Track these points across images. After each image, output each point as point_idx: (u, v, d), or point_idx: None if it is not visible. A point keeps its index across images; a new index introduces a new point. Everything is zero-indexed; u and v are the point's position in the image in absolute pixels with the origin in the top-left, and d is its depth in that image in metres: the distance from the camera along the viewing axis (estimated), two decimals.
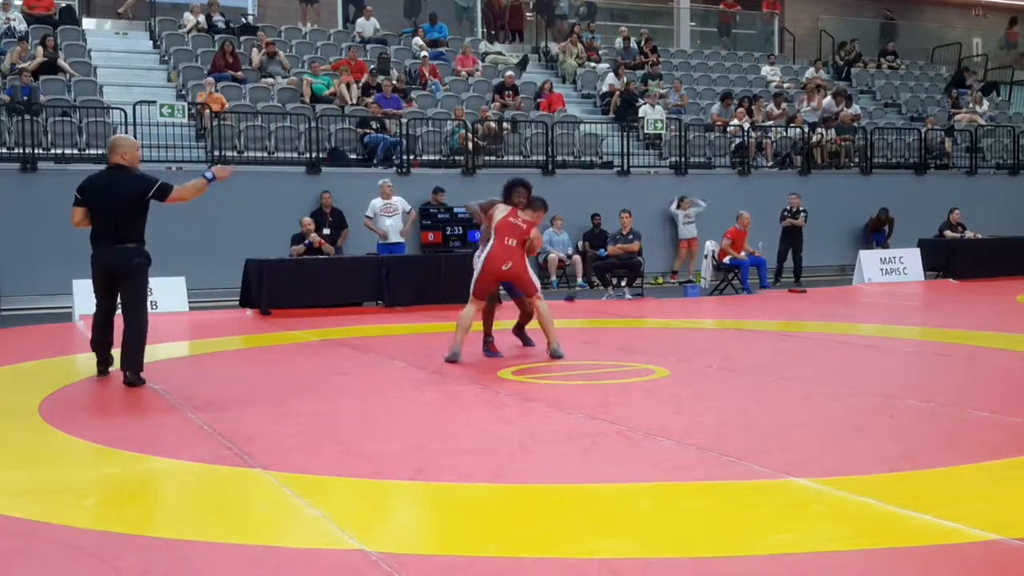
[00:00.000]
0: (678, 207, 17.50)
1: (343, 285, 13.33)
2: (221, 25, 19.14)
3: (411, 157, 16.55)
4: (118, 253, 7.55)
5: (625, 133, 18.28)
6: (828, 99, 21.03)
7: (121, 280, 7.59)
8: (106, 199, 7.59)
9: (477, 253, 9.06)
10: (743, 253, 15.48)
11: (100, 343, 7.86)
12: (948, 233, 18.08)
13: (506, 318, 9.85)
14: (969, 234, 18.16)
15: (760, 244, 15.68)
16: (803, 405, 6.63)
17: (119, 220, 7.56)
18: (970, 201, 19.30)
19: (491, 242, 8.65)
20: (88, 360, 8.50)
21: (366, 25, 20.38)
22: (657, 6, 26.75)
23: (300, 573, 3.64)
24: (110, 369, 7.95)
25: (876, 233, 19.11)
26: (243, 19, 20.17)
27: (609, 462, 5.10)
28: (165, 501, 4.75)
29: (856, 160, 20.23)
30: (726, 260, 15.42)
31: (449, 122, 17.27)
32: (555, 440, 5.61)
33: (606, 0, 26.53)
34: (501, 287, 9.23)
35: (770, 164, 19.62)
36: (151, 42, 19.38)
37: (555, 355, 8.57)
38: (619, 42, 22.64)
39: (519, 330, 9.52)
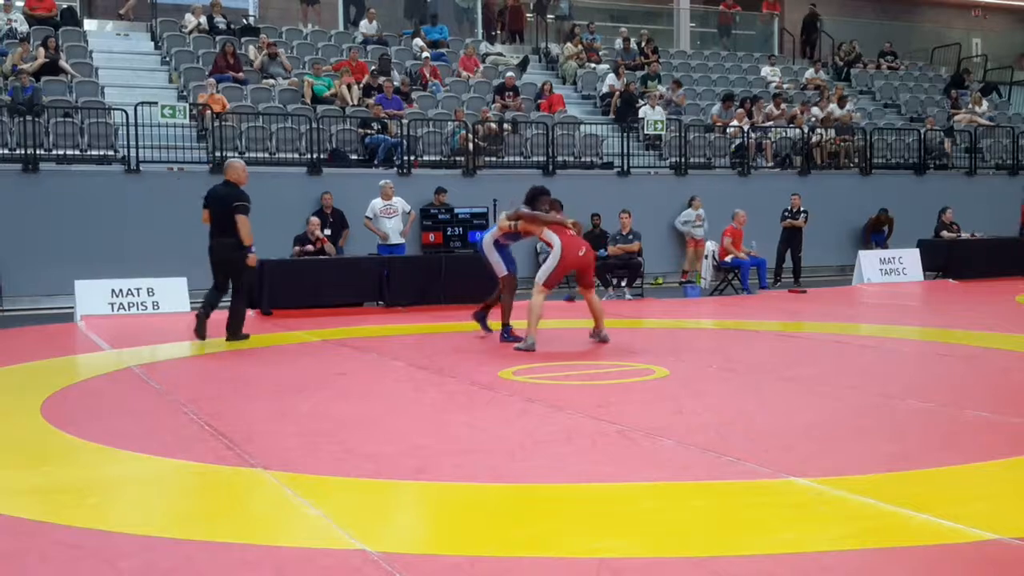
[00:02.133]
0: (689, 206, 17.48)
1: (344, 285, 13.34)
2: (222, 26, 19.15)
3: (411, 158, 16.56)
4: (219, 245, 9.97)
5: (625, 134, 18.29)
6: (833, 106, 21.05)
7: (225, 266, 10.00)
8: (215, 205, 9.98)
9: (489, 239, 9.90)
10: (742, 252, 15.49)
11: (202, 315, 10.06)
12: (945, 234, 18.07)
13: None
14: (965, 234, 18.15)
15: (753, 243, 15.67)
16: (803, 405, 6.64)
17: (221, 221, 9.89)
18: (969, 201, 19.31)
19: (556, 237, 9.28)
20: (89, 360, 8.52)
21: (368, 27, 20.40)
22: (657, 7, 26.76)
23: (301, 573, 3.65)
24: (206, 338, 9.99)
25: (875, 233, 19.11)
26: (244, 20, 20.17)
27: (609, 462, 5.11)
28: (166, 501, 4.76)
29: (856, 160, 20.24)
30: (727, 259, 15.42)
31: (450, 123, 17.28)
32: (555, 440, 5.62)
33: (606, 1, 26.55)
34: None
35: (770, 165, 19.63)
36: (152, 43, 19.40)
37: (604, 340, 9.46)
38: (619, 43, 22.65)
39: (483, 312, 10.35)
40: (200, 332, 10.02)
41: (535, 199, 9.61)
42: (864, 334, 10.81)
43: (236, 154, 15.72)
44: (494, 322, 10.30)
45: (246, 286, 10.35)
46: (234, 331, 10.11)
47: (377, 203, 14.49)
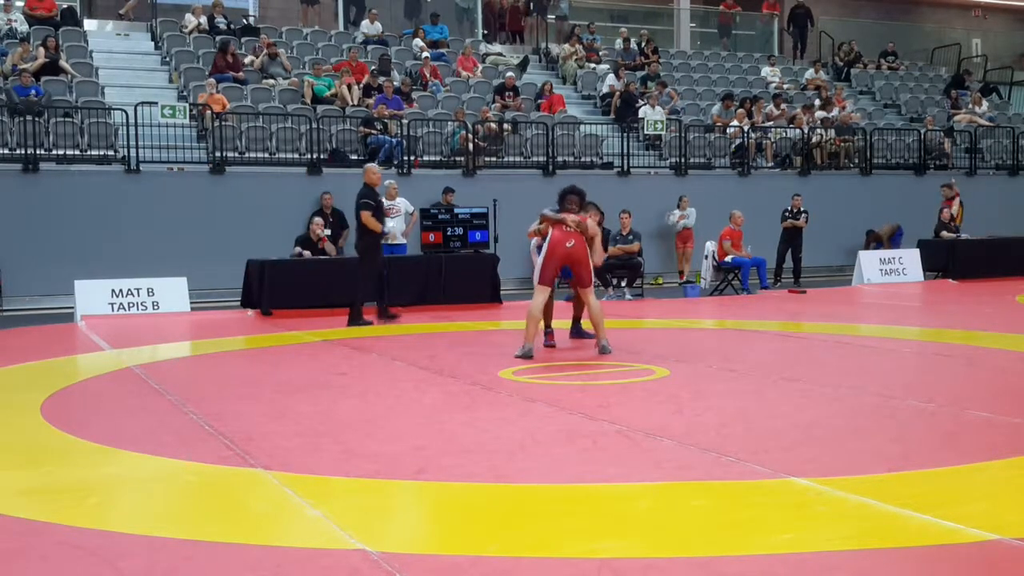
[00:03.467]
0: (677, 207, 17.47)
1: (344, 285, 13.30)
2: (223, 26, 19.13)
3: (412, 158, 16.56)
4: (355, 240, 11.89)
5: (625, 134, 18.28)
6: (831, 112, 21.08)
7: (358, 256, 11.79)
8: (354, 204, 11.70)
9: (534, 244, 9.49)
10: (742, 252, 15.49)
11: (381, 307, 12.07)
12: (944, 234, 18.06)
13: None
14: (964, 235, 18.13)
15: (749, 248, 15.64)
16: (803, 405, 6.64)
17: (357, 219, 11.63)
18: (969, 201, 19.26)
19: (550, 231, 8.97)
20: (89, 360, 8.51)
21: (369, 27, 20.41)
22: (657, 7, 26.75)
23: (301, 573, 3.65)
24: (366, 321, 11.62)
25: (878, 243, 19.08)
26: (244, 20, 20.16)
27: (609, 462, 5.11)
28: (166, 501, 4.76)
29: (856, 161, 20.25)
30: (728, 259, 15.42)
31: (450, 123, 17.28)
32: (555, 440, 5.62)
33: (606, 1, 26.54)
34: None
35: (770, 165, 19.63)
36: (152, 43, 19.39)
37: (603, 351, 8.87)
38: (619, 43, 22.64)
39: (576, 326, 9.92)
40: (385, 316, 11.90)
41: (563, 199, 9.33)
42: (864, 334, 10.81)
43: (237, 154, 15.76)
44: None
45: (370, 278, 11.74)
46: (353, 317, 11.56)
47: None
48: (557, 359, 8.79)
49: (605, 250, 15.00)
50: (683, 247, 17.30)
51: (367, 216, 11.49)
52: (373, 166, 12.19)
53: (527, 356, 8.67)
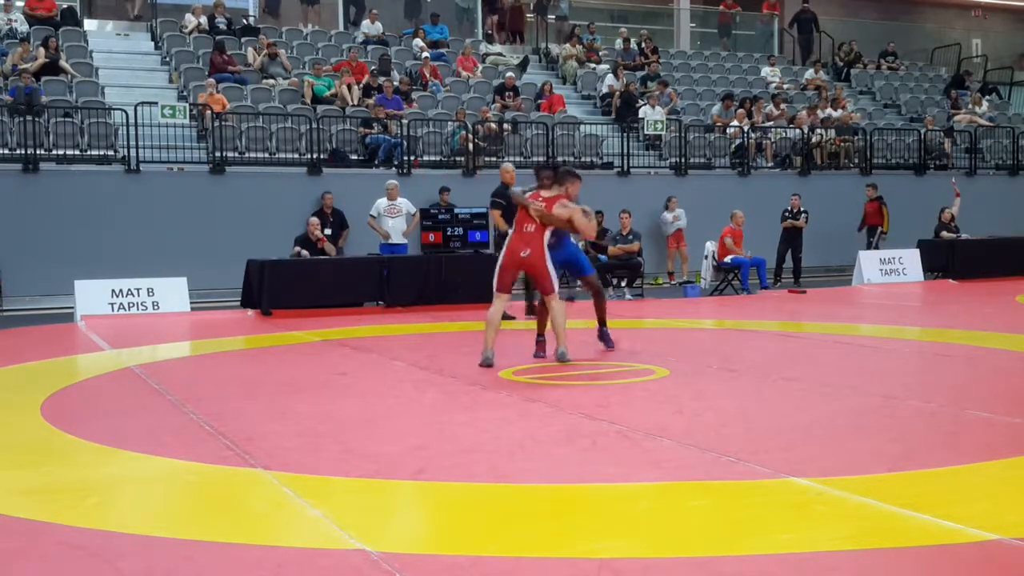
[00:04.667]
0: (666, 208, 17.46)
1: (344, 286, 13.33)
2: (223, 26, 19.13)
3: (412, 158, 16.56)
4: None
5: (625, 134, 18.29)
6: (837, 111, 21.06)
7: None
8: None
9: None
10: (743, 252, 15.50)
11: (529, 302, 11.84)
12: (944, 234, 18.06)
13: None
14: (964, 235, 18.13)
15: (749, 252, 15.63)
16: (803, 405, 6.64)
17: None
18: (969, 202, 19.29)
19: (510, 233, 8.47)
20: (89, 360, 8.50)
21: (370, 27, 20.42)
22: (657, 7, 26.76)
23: (301, 573, 3.65)
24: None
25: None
26: (244, 20, 20.16)
27: (609, 462, 5.11)
28: (166, 501, 4.76)
29: (856, 161, 20.25)
30: (727, 260, 15.42)
31: (450, 123, 17.29)
32: (555, 440, 5.62)
33: (606, 1, 26.55)
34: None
35: (770, 165, 19.64)
36: (152, 43, 19.40)
37: (561, 358, 8.33)
38: (619, 43, 22.65)
39: (602, 329, 9.29)
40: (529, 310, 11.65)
41: (537, 174, 8.79)
42: (864, 334, 10.81)
43: (237, 154, 15.77)
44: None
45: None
46: (529, 309, 11.66)
47: (382, 202, 14.52)
48: (562, 362, 8.75)
49: (604, 248, 15.11)
50: (676, 247, 17.30)
51: (496, 215, 11.75)
52: (508, 166, 12.44)
53: (487, 364, 8.19)
